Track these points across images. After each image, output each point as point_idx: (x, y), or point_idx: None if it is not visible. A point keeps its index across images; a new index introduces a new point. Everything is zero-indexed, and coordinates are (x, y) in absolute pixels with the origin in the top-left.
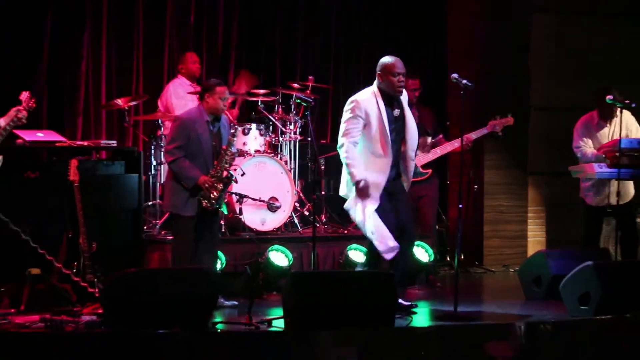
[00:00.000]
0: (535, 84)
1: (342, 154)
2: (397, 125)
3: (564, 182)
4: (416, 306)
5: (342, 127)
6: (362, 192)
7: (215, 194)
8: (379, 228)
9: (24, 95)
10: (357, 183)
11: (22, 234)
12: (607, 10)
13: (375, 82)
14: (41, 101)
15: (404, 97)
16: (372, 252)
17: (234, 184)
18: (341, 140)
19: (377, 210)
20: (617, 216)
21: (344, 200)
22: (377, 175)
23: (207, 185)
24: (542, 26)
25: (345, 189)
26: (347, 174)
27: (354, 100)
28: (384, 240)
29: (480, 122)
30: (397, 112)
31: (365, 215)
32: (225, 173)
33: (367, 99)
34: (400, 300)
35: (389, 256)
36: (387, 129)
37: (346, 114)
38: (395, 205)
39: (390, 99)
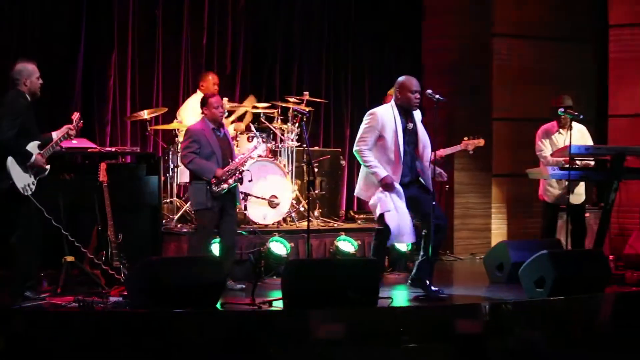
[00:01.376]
0: (496, 98)
1: (362, 158)
2: (411, 137)
3: (522, 183)
4: (443, 292)
5: (359, 135)
6: (389, 186)
7: (225, 185)
8: (402, 218)
9: (75, 116)
10: (383, 179)
11: (62, 229)
12: (553, 35)
13: (393, 98)
14: (77, 112)
15: (417, 113)
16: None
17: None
18: (357, 146)
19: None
20: (570, 213)
21: (335, 198)
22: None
23: (223, 177)
24: (500, 48)
25: (360, 189)
26: (366, 176)
27: (372, 112)
28: (402, 230)
29: (451, 134)
30: (410, 125)
31: (395, 205)
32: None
33: (385, 113)
34: (430, 287)
35: (393, 240)
36: (400, 140)
37: (364, 124)
38: (417, 207)
39: (405, 114)
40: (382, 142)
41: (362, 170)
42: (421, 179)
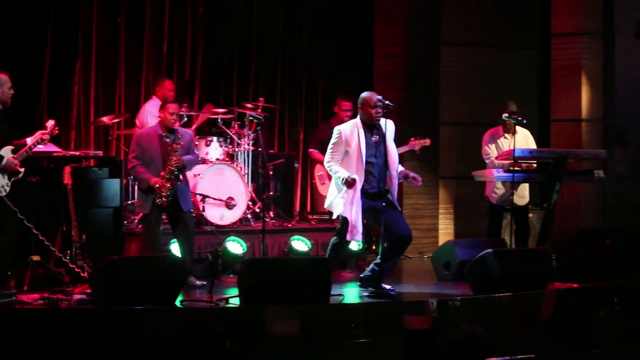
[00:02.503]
0: (444, 104)
1: (329, 169)
2: (378, 150)
3: (468, 185)
4: (394, 290)
5: (328, 149)
6: (352, 184)
7: (164, 192)
8: (356, 218)
9: (50, 123)
10: (346, 179)
11: (33, 229)
12: (500, 43)
13: (359, 113)
14: (42, 117)
15: (390, 124)
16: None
17: (200, 186)
18: (325, 159)
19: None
20: (514, 213)
21: (289, 200)
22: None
23: (157, 185)
24: (448, 55)
25: (329, 201)
26: (333, 188)
27: (338, 129)
28: (354, 229)
29: (400, 137)
30: (375, 138)
31: (352, 207)
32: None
33: (349, 129)
34: (383, 285)
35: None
36: (363, 153)
37: (332, 140)
38: (383, 216)
39: (370, 128)
40: (347, 155)
41: (331, 184)
42: (389, 196)
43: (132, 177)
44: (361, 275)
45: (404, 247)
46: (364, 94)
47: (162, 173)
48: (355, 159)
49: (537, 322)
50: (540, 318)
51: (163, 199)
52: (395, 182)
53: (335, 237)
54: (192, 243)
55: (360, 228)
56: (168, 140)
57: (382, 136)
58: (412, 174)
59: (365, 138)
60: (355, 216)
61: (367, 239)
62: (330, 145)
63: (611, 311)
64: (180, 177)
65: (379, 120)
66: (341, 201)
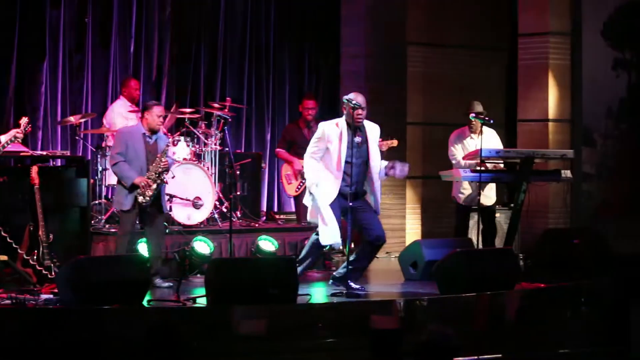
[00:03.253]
0: (410, 104)
1: (305, 163)
2: (360, 151)
3: (436, 185)
4: (364, 289)
5: (310, 144)
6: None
7: (149, 192)
8: (330, 220)
9: (23, 121)
10: (310, 187)
11: (1, 231)
12: (466, 43)
13: (343, 113)
14: (9, 117)
15: (374, 130)
16: (315, 243)
17: (167, 186)
18: (306, 154)
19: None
20: (481, 213)
21: (256, 199)
22: (330, 186)
23: (142, 184)
24: (415, 55)
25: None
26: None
27: (321, 125)
28: (328, 231)
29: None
30: (358, 139)
31: (323, 209)
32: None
33: (332, 127)
34: (351, 284)
35: (324, 242)
36: (343, 153)
37: (315, 135)
38: (355, 216)
39: (354, 128)
40: (328, 153)
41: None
42: (367, 198)
43: (115, 173)
44: (334, 274)
45: (376, 250)
46: (349, 95)
47: (149, 173)
48: (334, 158)
49: (504, 322)
50: (507, 318)
51: (147, 198)
52: (377, 185)
53: (315, 235)
54: (163, 245)
55: (336, 230)
56: (150, 140)
57: (366, 138)
58: (398, 165)
59: (348, 138)
60: (328, 218)
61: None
62: (313, 140)
63: (578, 311)
64: (165, 179)
65: (359, 122)
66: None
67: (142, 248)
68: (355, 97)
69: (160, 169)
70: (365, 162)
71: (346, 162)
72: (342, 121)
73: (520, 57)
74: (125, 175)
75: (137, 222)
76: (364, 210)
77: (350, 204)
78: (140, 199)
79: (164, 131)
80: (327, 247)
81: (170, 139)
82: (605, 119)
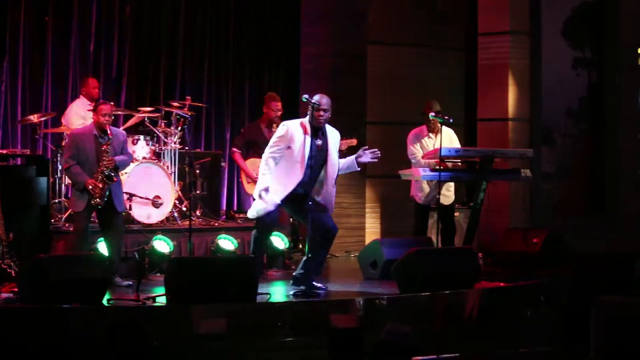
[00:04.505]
0: (371, 103)
1: (264, 161)
2: (319, 154)
3: (395, 184)
4: (325, 288)
5: (270, 142)
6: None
7: (98, 192)
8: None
9: None
10: (260, 190)
11: None
12: (426, 43)
13: (307, 114)
14: None
15: (335, 135)
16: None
17: (127, 184)
18: (265, 151)
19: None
20: (440, 212)
21: (215, 198)
22: (283, 186)
23: (91, 186)
24: (375, 55)
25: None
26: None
27: (285, 124)
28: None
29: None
30: (319, 142)
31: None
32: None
33: (296, 127)
34: (314, 282)
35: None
36: (306, 155)
37: (277, 133)
38: (305, 213)
39: (316, 130)
40: (289, 153)
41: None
42: (318, 198)
43: (67, 176)
44: (294, 274)
45: (330, 240)
46: (315, 97)
47: (96, 174)
48: (296, 160)
49: (463, 321)
50: (466, 317)
51: (97, 199)
52: (333, 190)
53: (255, 231)
54: (121, 243)
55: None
56: (102, 141)
57: (326, 143)
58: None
59: (311, 140)
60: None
61: (293, 238)
62: (274, 138)
63: (538, 310)
64: (114, 177)
65: (322, 124)
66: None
67: (102, 247)
68: (320, 99)
69: (104, 169)
70: (321, 166)
71: (307, 164)
72: (306, 122)
73: (480, 57)
74: (75, 179)
75: (96, 221)
76: (314, 209)
77: (310, 202)
78: (93, 201)
79: (109, 130)
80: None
81: (116, 137)
82: (565, 118)
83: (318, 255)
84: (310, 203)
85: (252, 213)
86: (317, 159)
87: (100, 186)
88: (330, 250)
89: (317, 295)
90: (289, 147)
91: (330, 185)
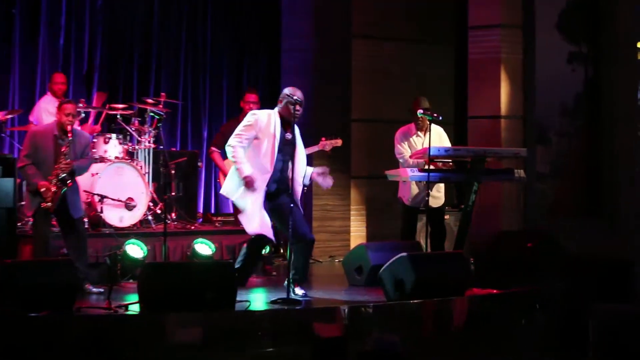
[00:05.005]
0: (356, 100)
1: (230, 153)
2: (287, 148)
3: (381, 185)
4: (306, 295)
5: (237, 130)
6: (250, 185)
7: (50, 196)
8: (261, 218)
9: None
10: (246, 177)
11: None
12: (414, 37)
13: (277, 106)
14: None
15: (296, 128)
16: (251, 247)
17: (98, 185)
18: (231, 141)
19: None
20: (429, 215)
21: (192, 200)
22: (257, 181)
23: (43, 189)
24: (360, 49)
25: (228, 188)
26: (233, 173)
27: (255, 113)
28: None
29: (309, 135)
30: (289, 135)
31: (252, 204)
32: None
33: (267, 117)
34: (296, 289)
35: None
36: (276, 147)
37: (245, 122)
38: (282, 214)
39: (285, 124)
40: (257, 144)
41: (232, 168)
42: (287, 199)
43: (23, 178)
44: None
45: (309, 249)
46: (288, 88)
47: (50, 177)
48: (266, 151)
49: (453, 330)
50: (456, 325)
51: (48, 203)
52: (300, 186)
53: (249, 244)
54: (84, 250)
55: (268, 227)
56: (62, 142)
57: (295, 137)
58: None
59: (280, 132)
60: (260, 219)
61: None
62: (241, 127)
63: (532, 318)
64: (68, 182)
65: (297, 119)
66: (248, 199)
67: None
68: (295, 92)
69: (60, 172)
70: (289, 161)
71: (277, 158)
72: (275, 113)
73: (471, 51)
74: (29, 180)
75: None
76: (289, 209)
77: (292, 205)
78: (44, 204)
79: (69, 130)
80: (266, 250)
81: (79, 139)
82: (560, 116)
83: (300, 262)
84: (285, 202)
85: (252, 228)
86: (285, 153)
87: (53, 190)
88: (311, 255)
89: (299, 303)
90: (256, 138)
91: (298, 183)
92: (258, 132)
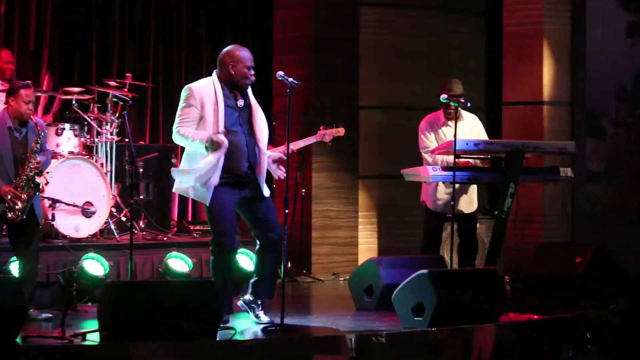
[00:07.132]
0: (364, 82)
1: (178, 138)
2: (242, 116)
3: (397, 186)
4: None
5: (176, 117)
6: (219, 143)
7: (19, 204)
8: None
9: None
10: (208, 138)
11: None
12: (435, 4)
13: (215, 71)
14: None
15: (249, 91)
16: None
17: (49, 187)
18: (174, 129)
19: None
20: (459, 223)
21: (164, 205)
22: (211, 167)
23: (8, 196)
24: (369, 20)
25: (178, 182)
26: (187, 157)
27: (189, 87)
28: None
29: (308, 123)
30: (241, 102)
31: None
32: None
33: (204, 87)
34: (258, 314)
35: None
36: (221, 120)
37: (180, 103)
38: (249, 213)
39: (233, 89)
40: (202, 123)
41: (184, 157)
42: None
43: None
44: (243, 299)
45: (276, 249)
46: (237, 49)
47: (17, 180)
48: (212, 127)
49: None
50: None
51: (17, 212)
52: (264, 157)
53: (211, 252)
54: (37, 266)
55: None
56: (19, 135)
57: (249, 102)
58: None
59: (225, 100)
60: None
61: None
62: (180, 111)
63: (582, 349)
64: (40, 184)
65: (250, 83)
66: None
67: (15, 268)
68: (244, 52)
69: (31, 173)
70: (250, 130)
71: (230, 130)
72: (213, 78)
73: (506, 23)
74: None
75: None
76: (257, 199)
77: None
78: (10, 214)
79: (34, 120)
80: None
81: (42, 130)
82: (617, 101)
83: (268, 272)
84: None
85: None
86: (244, 123)
87: (23, 196)
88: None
89: (296, 331)
90: (201, 117)
91: (264, 152)
92: (200, 109)
